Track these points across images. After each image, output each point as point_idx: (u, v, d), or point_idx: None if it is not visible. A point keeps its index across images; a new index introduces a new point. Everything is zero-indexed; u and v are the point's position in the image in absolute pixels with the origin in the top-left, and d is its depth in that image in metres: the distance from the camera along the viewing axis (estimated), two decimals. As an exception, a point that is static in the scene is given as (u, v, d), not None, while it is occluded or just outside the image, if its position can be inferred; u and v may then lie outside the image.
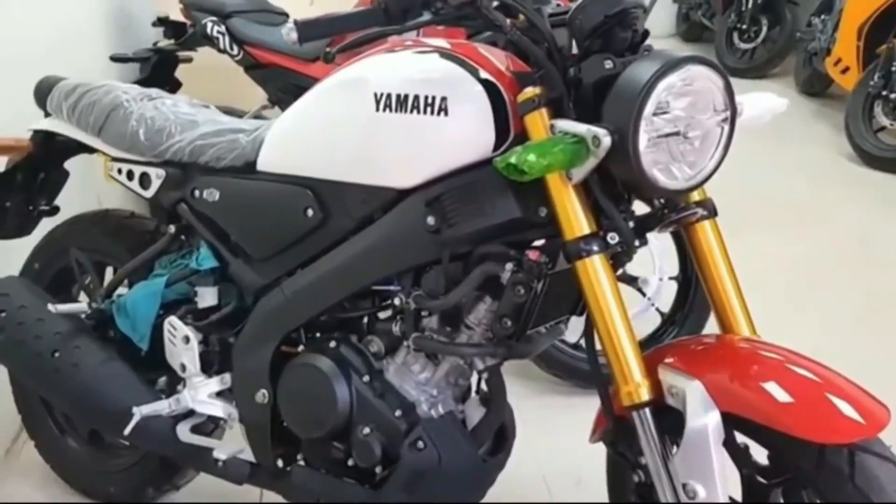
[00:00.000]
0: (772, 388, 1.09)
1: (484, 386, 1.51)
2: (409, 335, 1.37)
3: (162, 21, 3.26)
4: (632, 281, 2.24)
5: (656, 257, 2.25)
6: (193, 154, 1.58)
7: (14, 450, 2.18)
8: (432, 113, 1.26)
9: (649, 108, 1.11)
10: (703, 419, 1.10)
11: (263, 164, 1.50)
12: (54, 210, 2.01)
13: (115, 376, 1.58)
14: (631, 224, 1.22)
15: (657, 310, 2.29)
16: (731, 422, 1.11)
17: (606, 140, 1.10)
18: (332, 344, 1.45)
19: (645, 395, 1.17)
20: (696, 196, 1.30)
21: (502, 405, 1.48)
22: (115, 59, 2.91)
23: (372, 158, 1.34)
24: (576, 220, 1.19)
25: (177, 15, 3.08)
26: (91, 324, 1.67)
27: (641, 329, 2.36)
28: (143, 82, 2.90)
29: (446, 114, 1.25)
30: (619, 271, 2.11)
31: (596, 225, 1.20)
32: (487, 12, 1.21)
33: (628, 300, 2.25)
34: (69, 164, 1.97)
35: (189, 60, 2.99)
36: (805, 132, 4.87)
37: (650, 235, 2.17)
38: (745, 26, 6.05)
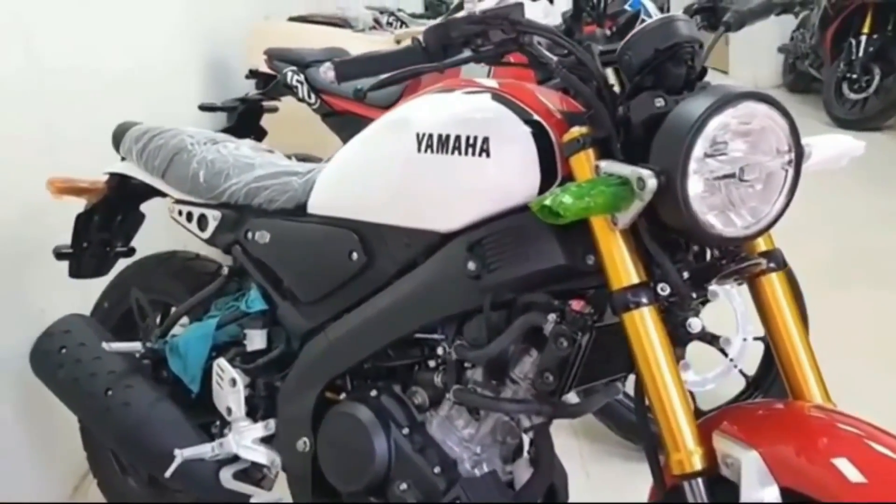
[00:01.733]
0: (842, 464, 0.96)
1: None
2: (451, 387, 1.30)
3: (253, 73, 3.37)
4: (713, 340, 2.09)
5: (739, 314, 2.10)
6: (248, 196, 1.58)
7: (83, 487, 2.21)
8: (474, 154, 1.21)
9: (699, 147, 1.02)
10: (759, 493, 0.98)
11: (313, 207, 1.48)
12: (131, 251, 2.06)
13: (163, 417, 1.57)
14: (686, 275, 1.12)
15: (741, 372, 2.13)
16: (792, 499, 0.99)
17: (652, 182, 1.02)
18: (374, 393, 1.39)
19: (697, 463, 1.05)
20: (762, 246, 1.19)
21: (550, 466, 1.38)
22: (203, 108, 3.01)
23: (414, 200, 1.30)
24: (623, 268, 1.11)
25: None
26: (146, 364, 1.67)
27: (723, 393, 2.21)
28: (230, 131, 2.98)
29: (488, 155, 1.20)
30: (699, 328, 2.05)
31: (646, 274, 1.11)
32: (532, 49, 1.15)
33: (709, 361, 2.16)
34: (148, 207, 2.02)
35: (274, 110, 3.06)
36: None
37: (734, 291, 2.08)
38: (855, 76, 5.77)
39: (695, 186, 1.03)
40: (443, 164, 1.24)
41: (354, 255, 1.39)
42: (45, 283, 2.09)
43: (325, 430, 1.42)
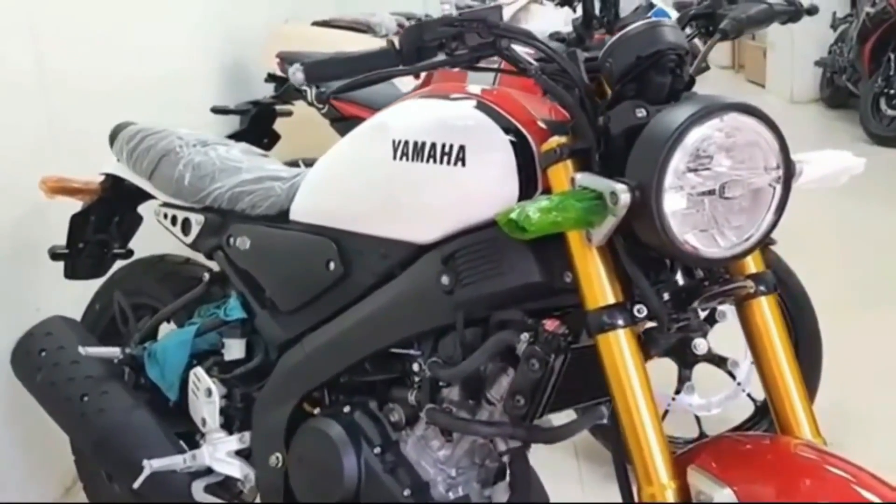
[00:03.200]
0: (822, 508, 0.88)
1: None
2: (424, 406, 1.25)
3: (272, 77, 3.34)
4: (720, 362, 2.01)
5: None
6: (232, 201, 1.54)
7: (74, 489, 2.18)
8: (449, 163, 1.15)
9: (677, 160, 0.95)
10: (729, 535, 0.91)
11: (295, 213, 1.44)
12: (129, 253, 2.03)
13: (137, 426, 1.53)
14: (667, 296, 1.05)
15: (749, 396, 2.04)
16: (765, 543, 0.91)
17: (625, 197, 0.95)
18: (347, 409, 1.34)
19: (670, 497, 0.99)
20: (751, 267, 1.12)
21: (527, 491, 1.31)
22: (215, 110, 2.99)
23: (389, 210, 1.25)
24: (598, 287, 1.04)
25: (288, 70, 3.14)
26: (125, 370, 1.64)
27: (729, 417, 2.13)
28: (242, 134, 2.96)
29: (464, 164, 1.14)
30: (704, 349, 1.97)
31: (624, 295, 1.05)
32: (510, 54, 1.10)
33: (716, 383, 2.08)
34: (146, 208, 1.99)
35: (289, 114, 3.03)
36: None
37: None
38: (893, 91, 5.60)
39: (673, 203, 0.96)
40: (418, 172, 1.18)
41: (332, 265, 1.34)
42: (42, 281, 2.08)
43: (296, 446, 1.37)
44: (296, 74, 1.11)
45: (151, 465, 1.45)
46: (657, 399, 2.08)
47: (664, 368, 2.03)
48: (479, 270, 1.14)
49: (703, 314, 1.15)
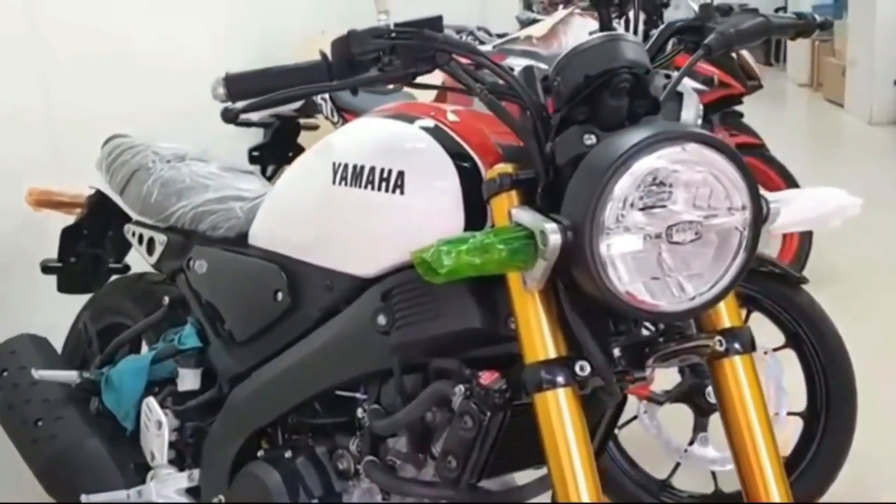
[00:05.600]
0: None
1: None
2: (364, 457, 1.13)
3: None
4: (739, 410, 1.82)
5: (771, 381, 1.82)
6: (194, 221, 1.45)
7: None
8: (387, 190, 1.03)
9: (620, 195, 0.81)
10: None
11: (253, 237, 1.34)
12: (126, 268, 1.97)
13: (87, 455, 1.45)
14: (617, 352, 0.91)
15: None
16: None
17: (555, 238, 0.82)
18: (289, 454, 1.22)
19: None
20: (725, 321, 0.96)
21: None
22: (238, 123, 2.93)
23: (332, 238, 1.14)
24: (539, 338, 0.91)
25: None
26: (84, 395, 1.56)
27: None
28: (265, 147, 2.90)
29: (402, 192, 1.02)
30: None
31: (568, 348, 0.91)
32: (451, 70, 0.97)
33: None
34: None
35: (314, 128, 2.95)
36: None
37: (769, 357, 1.80)
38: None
39: (616, 245, 0.82)
40: (357, 198, 1.07)
41: (279, 296, 1.24)
42: (40, 295, 2.04)
43: (233, 490, 1.27)
44: (216, 89, 1.00)
45: (89, 500, 1.36)
46: (669, 449, 1.91)
47: (681, 413, 1.87)
48: (416, 311, 1.02)
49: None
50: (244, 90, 1.00)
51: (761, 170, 3.05)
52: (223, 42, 3.10)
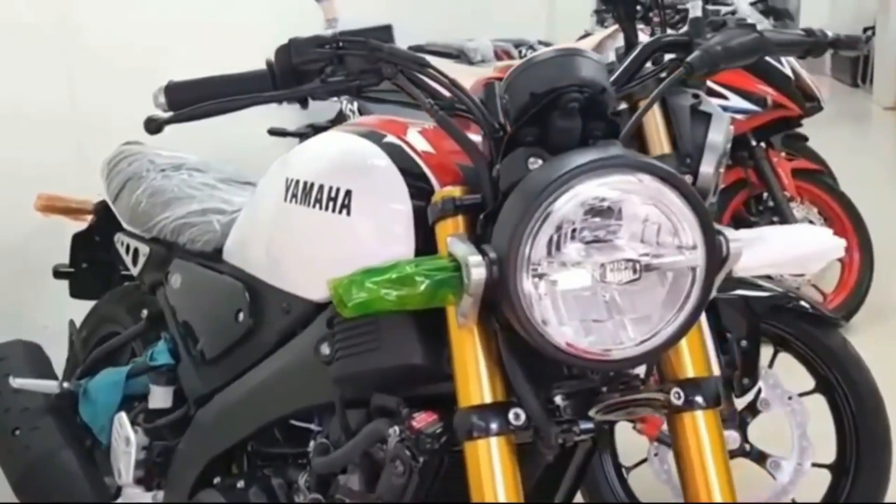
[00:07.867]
0: None
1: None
2: (312, 492, 1.06)
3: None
4: (760, 459, 1.68)
5: (796, 427, 1.67)
6: (175, 233, 1.41)
7: None
8: (334, 210, 0.97)
9: (549, 226, 0.72)
10: None
11: (226, 253, 1.29)
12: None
13: (60, 468, 1.42)
14: (559, 399, 0.82)
15: (793, 503, 1.70)
16: None
17: (478, 273, 0.74)
18: (241, 484, 1.16)
19: None
20: (688, 370, 0.86)
21: None
22: (272, 132, 2.92)
23: (285, 259, 1.08)
24: (474, 380, 0.82)
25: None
26: (63, 405, 1.53)
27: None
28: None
29: (348, 212, 0.95)
30: (736, 443, 1.64)
31: (507, 393, 0.82)
32: (399, 83, 0.90)
33: (754, 483, 1.74)
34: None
35: (350, 139, 2.91)
36: None
37: (795, 403, 1.65)
38: None
39: (545, 282, 0.73)
40: (305, 217, 1.01)
41: (241, 316, 1.19)
42: (54, 299, 2.04)
43: (184, 519, 1.21)
44: (157, 97, 0.95)
45: (50, 515, 1.33)
46: (679, 494, 1.78)
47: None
48: (358, 342, 0.95)
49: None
50: (185, 99, 0.94)
51: (819, 196, 2.86)
52: (259, 57, 3.10)
